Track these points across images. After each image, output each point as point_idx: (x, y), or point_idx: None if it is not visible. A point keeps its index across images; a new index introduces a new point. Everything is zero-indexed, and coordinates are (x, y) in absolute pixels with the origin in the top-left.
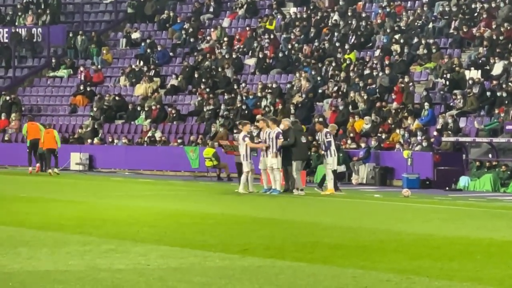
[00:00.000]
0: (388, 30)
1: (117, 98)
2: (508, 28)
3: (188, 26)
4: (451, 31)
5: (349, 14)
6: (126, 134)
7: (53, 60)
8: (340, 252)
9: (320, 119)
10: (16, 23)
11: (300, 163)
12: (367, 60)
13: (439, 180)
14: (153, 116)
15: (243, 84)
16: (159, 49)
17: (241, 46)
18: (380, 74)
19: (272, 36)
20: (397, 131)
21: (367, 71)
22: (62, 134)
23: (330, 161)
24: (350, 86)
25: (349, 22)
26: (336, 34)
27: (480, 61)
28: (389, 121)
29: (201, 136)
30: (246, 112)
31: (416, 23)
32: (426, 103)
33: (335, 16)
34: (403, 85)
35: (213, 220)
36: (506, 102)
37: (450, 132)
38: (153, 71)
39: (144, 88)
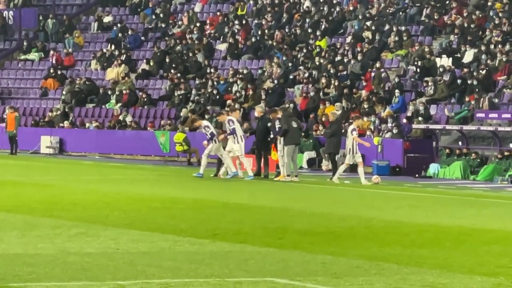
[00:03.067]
0: (360, 17)
1: (88, 82)
2: (480, 16)
3: (160, 10)
4: (423, 18)
5: (321, 0)
6: (96, 118)
7: (25, 43)
8: (309, 238)
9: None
10: None
11: (292, 148)
12: (339, 46)
13: (409, 167)
14: (124, 100)
15: (214, 69)
16: (130, 33)
17: (213, 31)
18: (352, 61)
19: (243, 22)
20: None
21: (338, 58)
22: (33, 117)
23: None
24: (321, 72)
25: (321, 8)
26: (307, 20)
27: (451, 49)
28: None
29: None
30: (217, 97)
31: (387, 10)
32: (397, 90)
33: (307, 2)
34: (374, 72)
35: (184, 205)
36: (477, 90)
37: (420, 119)
38: (125, 55)
39: (116, 72)
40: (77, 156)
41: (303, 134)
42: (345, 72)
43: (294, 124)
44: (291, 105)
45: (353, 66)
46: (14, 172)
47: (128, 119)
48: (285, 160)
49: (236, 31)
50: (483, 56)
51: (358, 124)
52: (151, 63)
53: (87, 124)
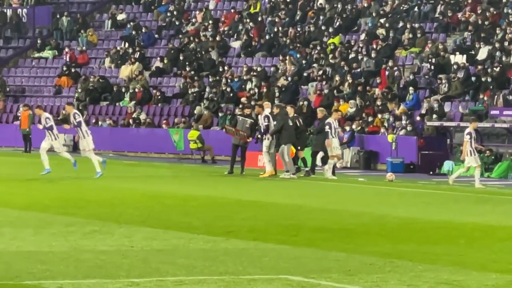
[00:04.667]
0: (373, 14)
1: (101, 79)
2: (494, 13)
3: (174, 8)
4: (437, 15)
5: None
6: (110, 115)
7: (38, 41)
8: (323, 235)
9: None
10: (3, 4)
11: (289, 146)
12: (352, 44)
13: (423, 164)
14: (138, 98)
15: (228, 67)
16: (144, 31)
17: (226, 29)
18: (366, 58)
19: (259, 19)
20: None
21: (352, 55)
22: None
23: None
24: (335, 70)
25: (335, 5)
26: (321, 17)
27: (465, 46)
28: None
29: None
30: (231, 95)
31: (401, 7)
32: (411, 88)
33: (321, 0)
34: (387, 70)
35: (198, 202)
36: (491, 87)
37: (435, 117)
38: (138, 53)
39: (129, 70)
40: None
41: (310, 132)
42: (359, 70)
43: (290, 123)
44: (305, 102)
45: (366, 64)
46: (28, 170)
47: (142, 116)
48: (286, 159)
49: (249, 28)
50: (497, 53)
51: (335, 117)
52: (165, 61)
53: (101, 122)
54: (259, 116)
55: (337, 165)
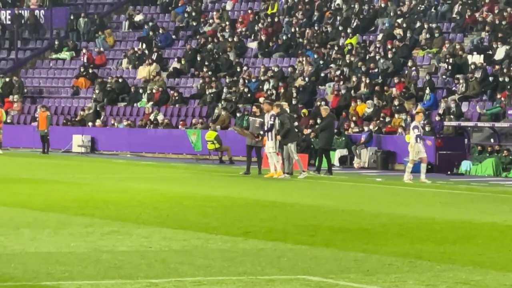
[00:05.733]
0: (391, 14)
1: (119, 80)
2: (511, 13)
3: (191, 9)
4: (454, 15)
5: None
6: (128, 116)
7: (56, 42)
8: (342, 236)
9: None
10: (21, 5)
11: (294, 145)
12: (369, 44)
13: (441, 164)
14: (155, 99)
15: (245, 67)
16: (161, 32)
17: (244, 29)
18: (383, 59)
19: (276, 20)
20: (397, 115)
21: (369, 55)
22: (65, 116)
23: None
24: (352, 70)
25: (352, 6)
26: (338, 18)
27: (483, 46)
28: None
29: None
30: (249, 95)
31: (418, 8)
32: (428, 88)
33: (338, 0)
34: (406, 70)
35: (216, 202)
36: (509, 87)
37: (452, 117)
38: (156, 54)
39: (147, 71)
40: (108, 155)
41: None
42: (376, 70)
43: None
44: (323, 102)
45: (383, 65)
46: (46, 171)
47: (160, 117)
48: (295, 157)
49: (266, 28)
50: None
51: (419, 119)
52: (182, 62)
53: (118, 123)
54: (266, 115)
55: (355, 165)
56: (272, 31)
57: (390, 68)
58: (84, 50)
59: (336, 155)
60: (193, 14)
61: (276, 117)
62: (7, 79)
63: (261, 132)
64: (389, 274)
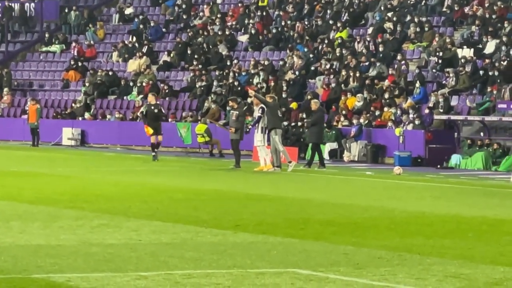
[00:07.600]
0: (381, 8)
1: (109, 73)
2: (501, 6)
3: (181, 2)
4: (444, 9)
5: None
6: (118, 109)
7: (46, 35)
8: (332, 229)
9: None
10: None
11: (279, 136)
12: (360, 38)
13: (431, 158)
14: (146, 91)
15: (236, 61)
16: (152, 25)
17: (234, 23)
18: (373, 52)
19: (266, 13)
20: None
21: (359, 49)
22: (55, 109)
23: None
24: (342, 63)
25: None
26: (329, 11)
27: (473, 40)
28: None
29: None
30: (239, 88)
31: (408, 1)
32: (418, 81)
33: None
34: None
35: (206, 196)
36: (498, 80)
37: (442, 110)
38: (146, 47)
39: (137, 64)
40: (98, 148)
41: (325, 125)
42: (366, 63)
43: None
44: (313, 96)
45: (378, 68)
46: (36, 164)
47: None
48: (280, 148)
49: (256, 22)
50: (505, 47)
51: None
52: (173, 55)
53: (108, 116)
54: (255, 107)
55: (345, 159)
56: (262, 24)
57: (382, 72)
58: (74, 43)
59: (326, 148)
60: (184, 7)
61: (265, 110)
62: None
63: (250, 126)
64: (379, 268)
